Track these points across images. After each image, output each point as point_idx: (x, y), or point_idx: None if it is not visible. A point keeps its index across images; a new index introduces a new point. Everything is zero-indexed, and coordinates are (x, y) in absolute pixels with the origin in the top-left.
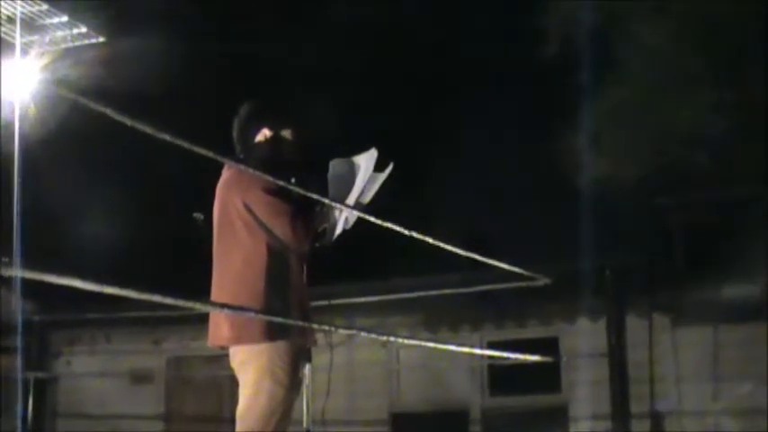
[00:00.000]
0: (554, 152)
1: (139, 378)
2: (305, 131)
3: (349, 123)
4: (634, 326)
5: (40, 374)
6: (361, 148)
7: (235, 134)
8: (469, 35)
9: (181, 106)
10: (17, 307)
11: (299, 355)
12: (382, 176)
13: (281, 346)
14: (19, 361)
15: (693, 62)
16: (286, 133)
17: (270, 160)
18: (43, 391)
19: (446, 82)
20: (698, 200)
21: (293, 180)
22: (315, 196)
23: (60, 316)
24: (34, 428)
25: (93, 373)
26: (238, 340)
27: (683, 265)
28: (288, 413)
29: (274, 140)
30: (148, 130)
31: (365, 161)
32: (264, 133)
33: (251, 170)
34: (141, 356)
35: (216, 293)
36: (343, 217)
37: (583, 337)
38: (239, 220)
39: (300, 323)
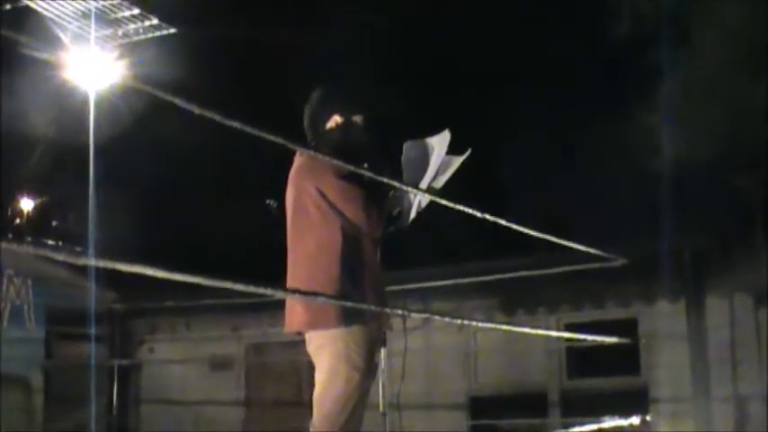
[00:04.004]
0: (630, 132)
1: (219, 364)
2: (374, 116)
3: (421, 106)
4: (715, 307)
5: (123, 361)
6: (434, 132)
7: (306, 121)
8: (542, 17)
9: (250, 94)
10: (92, 295)
11: (375, 340)
12: (458, 161)
13: (356, 330)
14: (93, 348)
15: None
16: (356, 119)
17: (341, 146)
18: (127, 377)
19: (521, 64)
20: None
21: (366, 165)
22: (387, 180)
23: (142, 305)
24: (120, 413)
25: (175, 360)
26: (314, 325)
27: (763, 244)
28: (364, 398)
29: (345, 126)
30: (217, 117)
31: (438, 143)
32: (336, 119)
33: (322, 156)
34: (221, 343)
35: (290, 279)
36: (418, 199)
37: (662, 319)
38: (313, 206)
39: (374, 308)
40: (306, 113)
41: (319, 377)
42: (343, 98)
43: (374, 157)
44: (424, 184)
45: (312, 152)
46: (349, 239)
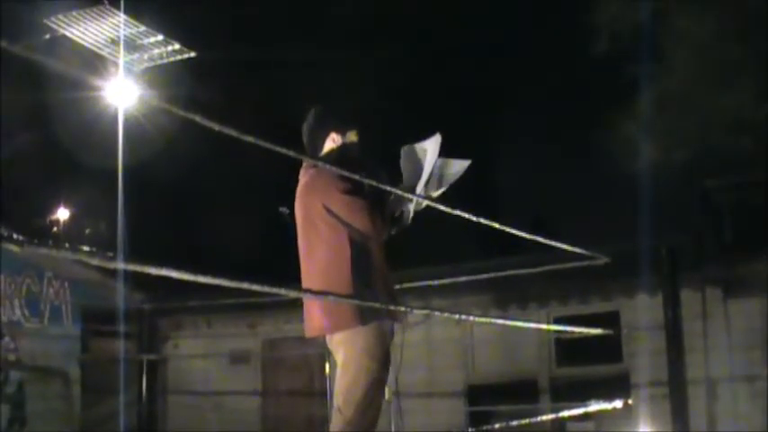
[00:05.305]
0: (610, 140)
1: (238, 358)
2: (367, 129)
3: (415, 114)
4: (689, 299)
5: (151, 356)
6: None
7: (305, 139)
8: (529, 34)
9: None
10: (122, 296)
11: (388, 334)
12: (456, 166)
13: (373, 326)
14: (123, 344)
15: (736, 52)
16: (351, 134)
17: (342, 163)
18: (155, 370)
19: (508, 78)
20: (743, 181)
21: (363, 174)
22: (387, 188)
23: (167, 304)
24: (148, 403)
25: (197, 354)
26: (336, 328)
27: (731, 242)
28: (383, 385)
29: (343, 145)
30: (234, 133)
31: (431, 146)
32: (333, 138)
33: (328, 166)
34: (239, 339)
35: (306, 287)
36: (415, 200)
37: (642, 311)
38: (321, 221)
39: (378, 305)
40: (304, 133)
41: (343, 370)
42: (337, 116)
43: (372, 165)
44: (420, 185)
45: (320, 164)
46: (357, 246)
